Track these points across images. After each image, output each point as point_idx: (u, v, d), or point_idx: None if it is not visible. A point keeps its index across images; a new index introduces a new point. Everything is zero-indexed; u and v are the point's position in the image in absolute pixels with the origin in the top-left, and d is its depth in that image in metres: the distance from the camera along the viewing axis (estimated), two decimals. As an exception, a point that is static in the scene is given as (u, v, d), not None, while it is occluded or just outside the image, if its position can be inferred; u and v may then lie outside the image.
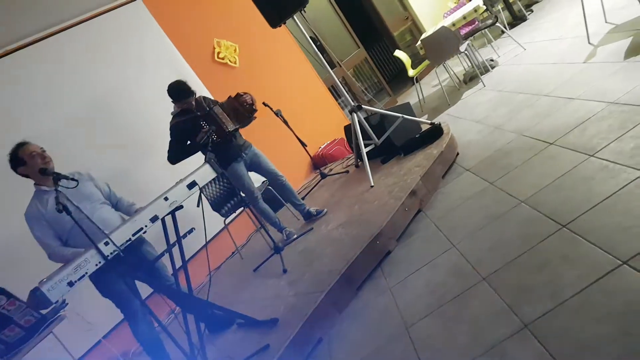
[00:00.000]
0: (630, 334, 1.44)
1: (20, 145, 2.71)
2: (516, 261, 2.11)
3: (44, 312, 2.16)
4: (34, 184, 2.80)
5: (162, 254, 2.61)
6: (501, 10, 6.31)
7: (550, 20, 5.46)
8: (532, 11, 6.39)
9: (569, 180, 2.39)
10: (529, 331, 1.72)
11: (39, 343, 2.19)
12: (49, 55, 4.35)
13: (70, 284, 2.00)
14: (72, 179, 2.39)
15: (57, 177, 2.34)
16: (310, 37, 4.32)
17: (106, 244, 2.10)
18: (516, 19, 6.34)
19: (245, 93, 3.71)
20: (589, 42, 3.90)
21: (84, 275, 2.05)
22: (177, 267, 2.53)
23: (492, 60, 5.44)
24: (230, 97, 3.72)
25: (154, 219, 2.27)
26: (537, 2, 6.60)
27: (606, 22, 4.02)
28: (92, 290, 2.73)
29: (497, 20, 5.47)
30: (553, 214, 2.23)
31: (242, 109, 3.67)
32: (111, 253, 2.11)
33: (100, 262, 2.08)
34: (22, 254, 3.49)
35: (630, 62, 3.15)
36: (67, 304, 2.16)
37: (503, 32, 5.99)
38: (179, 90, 3.55)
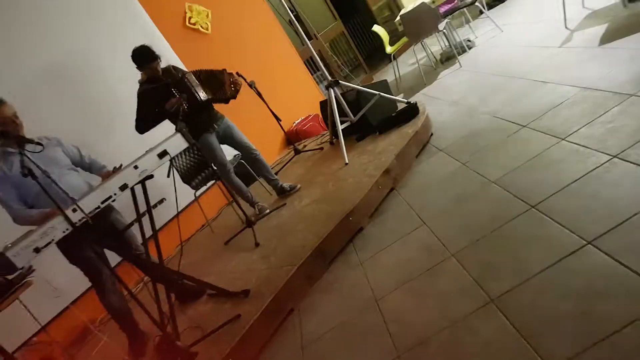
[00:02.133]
0: (589, 312, 1.51)
1: None
2: (484, 239, 2.17)
3: (9, 277, 2.09)
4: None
5: (132, 223, 2.55)
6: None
7: (528, 3, 5.51)
8: (511, -7, 6.42)
9: (539, 163, 2.45)
10: (494, 305, 1.78)
11: (5, 309, 2.13)
12: (12, 13, 4.10)
13: (37, 250, 1.94)
14: (38, 143, 2.28)
15: (22, 140, 2.23)
16: (288, 7, 4.22)
17: (74, 210, 2.03)
18: (495, 0, 6.37)
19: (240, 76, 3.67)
20: (566, 27, 3.95)
21: (50, 242, 1.99)
22: (147, 236, 2.49)
23: (469, 40, 5.46)
24: (225, 70, 3.62)
25: (123, 188, 2.21)
26: (516, -16, 6.62)
27: (584, 7, 4.08)
28: (60, 256, 2.66)
29: (476, 0, 5.47)
30: (522, 194, 2.29)
31: (227, 87, 3.59)
32: (79, 220, 2.05)
33: (67, 229, 2.02)
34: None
35: (604, 48, 3.22)
36: (35, 270, 2.10)
37: (481, 12, 6.01)
38: (142, 55, 3.42)
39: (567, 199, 2.07)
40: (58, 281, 2.42)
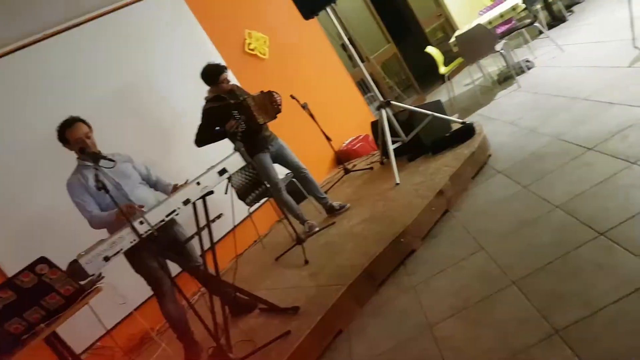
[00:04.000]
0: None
1: (69, 125, 2.77)
2: (548, 267, 2.07)
3: (81, 283, 2.25)
4: (77, 157, 2.88)
5: (192, 236, 2.65)
6: (540, 10, 6.15)
7: (591, 23, 5.31)
8: (573, 12, 6.22)
9: (607, 188, 2.33)
10: (559, 337, 1.68)
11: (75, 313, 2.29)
12: (82, 42, 4.43)
13: (106, 258, 2.07)
14: (111, 160, 2.45)
15: (97, 157, 2.40)
16: (342, 31, 4.31)
17: (141, 222, 2.15)
18: (555, 20, 6.18)
19: (277, 94, 3.77)
20: (635, 46, 3.76)
21: (119, 252, 2.12)
22: (205, 249, 2.57)
23: (528, 61, 5.32)
24: (262, 92, 3.75)
25: (186, 202, 2.31)
26: (578, 2, 6.41)
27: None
28: (126, 265, 2.81)
29: (535, 20, 5.35)
30: (589, 221, 2.18)
31: (270, 107, 3.72)
32: (145, 232, 2.17)
33: (134, 240, 2.14)
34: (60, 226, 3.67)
35: (677, 68, 3.04)
36: (104, 277, 2.24)
37: (541, 32, 5.85)
38: (211, 72, 3.66)
39: (638, 226, 1.94)
40: (122, 288, 2.56)
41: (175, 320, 2.97)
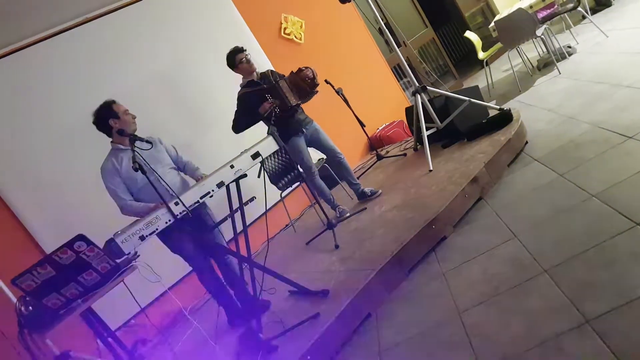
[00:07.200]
0: None
1: (113, 102, 2.90)
2: (582, 256, 2.03)
3: (118, 261, 2.33)
4: (111, 141, 2.99)
5: (225, 219, 2.72)
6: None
7: (638, 7, 5.04)
8: (620, -4, 5.92)
9: (647, 177, 2.25)
10: (590, 327, 1.66)
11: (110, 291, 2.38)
12: (119, 27, 4.53)
13: (142, 238, 2.16)
14: (147, 142, 2.53)
15: (134, 138, 2.49)
16: (378, 15, 4.26)
17: (176, 204, 2.23)
18: (599, 4, 5.90)
19: (306, 67, 3.69)
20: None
21: (154, 231, 2.20)
22: (237, 231, 2.64)
23: (569, 47, 5.13)
24: (292, 72, 3.74)
25: (220, 185, 2.38)
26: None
27: None
28: (160, 244, 2.90)
29: (578, 5, 5.12)
30: (627, 210, 2.11)
31: (303, 84, 3.67)
32: (180, 213, 2.25)
33: (169, 220, 2.23)
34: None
35: None
36: (139, 255, 2.33)
37: (584, 17, 5.61)
38: (229, 56, 3.74)
39: (679, 218, 1.88)
40: (157, 268, 2.66)
41: (215, 290, 3.10)
